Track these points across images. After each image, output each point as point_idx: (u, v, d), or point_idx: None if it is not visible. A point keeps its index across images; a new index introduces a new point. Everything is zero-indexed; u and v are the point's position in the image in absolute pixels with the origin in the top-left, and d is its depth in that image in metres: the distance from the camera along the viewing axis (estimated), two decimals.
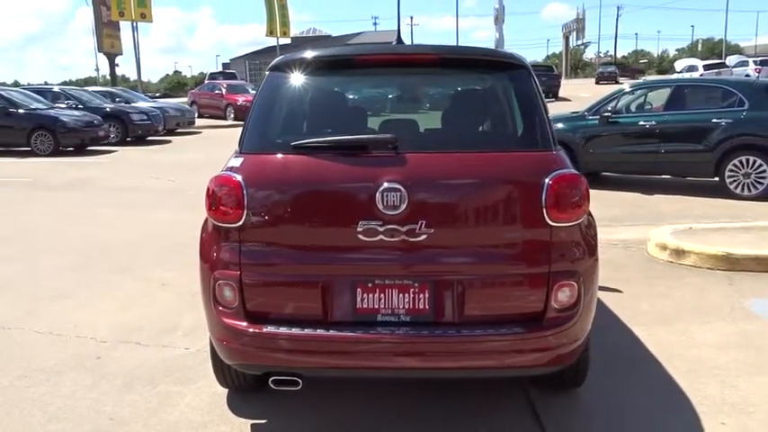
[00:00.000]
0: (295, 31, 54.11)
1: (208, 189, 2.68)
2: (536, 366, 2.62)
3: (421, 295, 2.58)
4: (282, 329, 2.57)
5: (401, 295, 2.58)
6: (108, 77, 40.80)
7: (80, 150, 15.30)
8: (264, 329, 2.58)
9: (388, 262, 2.56)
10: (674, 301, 4.53)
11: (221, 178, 2.67)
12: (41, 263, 5.84)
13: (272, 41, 40.47)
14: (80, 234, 7.03)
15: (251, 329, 2.59)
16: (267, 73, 2.93)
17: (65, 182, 11.00)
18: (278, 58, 2.93)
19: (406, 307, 2.58)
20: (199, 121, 23.31)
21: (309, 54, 2.86)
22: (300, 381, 2.64)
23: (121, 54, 39.33)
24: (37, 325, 4.26)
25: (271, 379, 2.65)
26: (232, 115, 23.95)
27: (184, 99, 28.88)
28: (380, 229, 2.51)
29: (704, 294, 4.65)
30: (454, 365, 2.57)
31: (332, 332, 2.54)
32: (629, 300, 4.57)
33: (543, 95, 2.94)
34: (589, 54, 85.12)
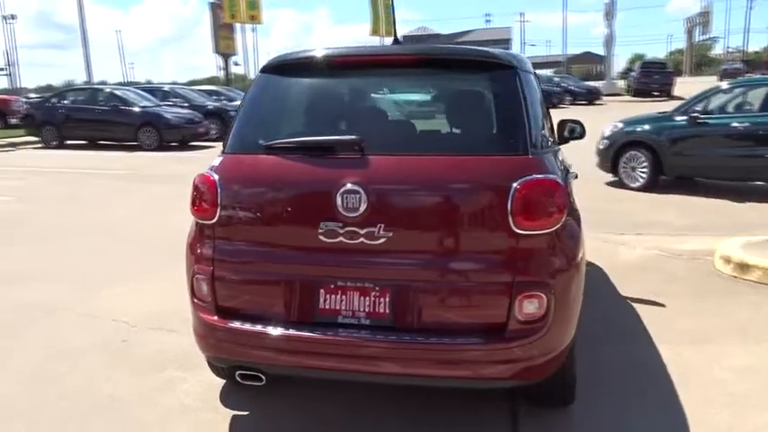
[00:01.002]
0: (405, 30, 54.46)
1: (192, 186, 2.80)
2: (499, 379, 2.52)
3: (381, 299, 2.55)
4: (247, 326, 2.63)
5: (362, 298, 2.56)
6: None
7: (182, 145, 16.27)
8: (230, 324, 2.65)
9: (348, 264, 2.56)
10: (719, 319, 4.18)
11: (201, 177, 2.77)
12: (111, 251, 6.28)
13: (383, 41, 41.11)
14: (153, 225, 7.49)
15: (220, 324, 2.68)
16: (258, 75, 3.00)
17: (158, 174, 11.76)
18: (268, 60, 2.99)
19: (367, 310, 2.56)
20: None
21: (293, 56, 2.90)
22: (263, 377, 2.69)
23: (235, 54, 41.33)
24: (82, 308, 4.59)
25: (237, 372, 2.73)
26: None
27: None
28: (340, 231, 2.51)
29: (757, 314, 4.25)
30: (410, 372, 2.51)
31: (291, 331, 2.57)
32: (669, 315, 4.27)
33: (533, 96, 2.83)
34: (718, 50, 79.63)
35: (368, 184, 2.49)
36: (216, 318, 2.70)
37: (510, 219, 2.43)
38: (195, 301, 2.78)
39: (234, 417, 3.05)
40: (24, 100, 20.98)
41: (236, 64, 41.95)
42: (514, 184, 2.44)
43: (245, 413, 3.09)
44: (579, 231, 2.77)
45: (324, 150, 2.62)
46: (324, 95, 2.95)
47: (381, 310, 2.54)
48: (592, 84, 38.11)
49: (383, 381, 2.64)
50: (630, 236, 6.53)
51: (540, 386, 2.81)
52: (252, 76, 39.97)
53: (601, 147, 9.64)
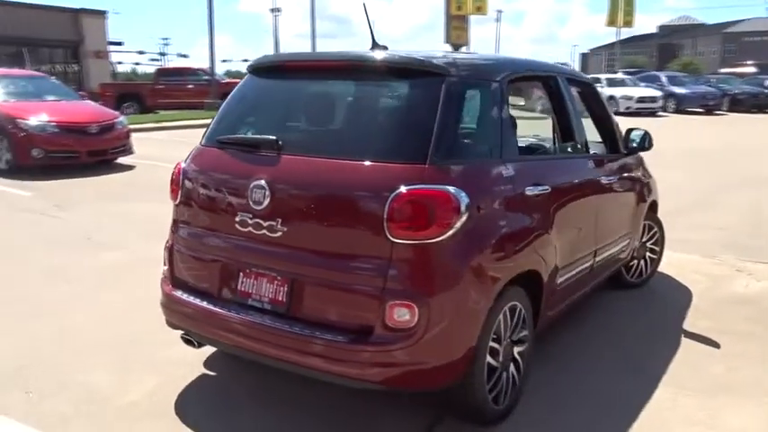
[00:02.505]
0: (665, 19, 50.25)
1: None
2: (369, 381, 2.57)
3: (282, 288, 2.76)
4: (184, 296, 3.01)
5: (268, 285, 2.80)
6: None
7: None
8: (174, 293, 3.07)
9: (255, 252, 2.81)
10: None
11: (177, 164, 3.21)
12: None
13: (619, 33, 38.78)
14: None
15: (169, 292, 3.10)
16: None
17: None
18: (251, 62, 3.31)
19: (270, 297, 2.78)
20: None
21: (262, 59, 3.21)
22: (195, 342, 3.06)
23: (466, 45, 41.98)
24: None
25: (180, 335, 3.14)
26: None
27: None
28: (250, 222, 2.78)
29: None
30: (290, 360, 2.67)
31: (211, 306, 2.89)
32: (714, 357, 3.75)
33: (468, 106, 2.78)
34: None
35: (272, 181, 2.71)
36: (169, 287, 3.13)
37: (385, 226, 2.48)
38: (163, 269, 3.24)
39: (202, 374, 3.47)
40: None
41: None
42: (394, 193, 2.47)
43: (213, 373, 3.49)
44: (477, 246, 2.65)
45: (252, 147, 2.90)
46: (273, 96, 3.21)
47: (280, 299, 2.75)
48: None
49: (278, 366, 2.81)
50: None
51: (441, 399, 2.79)
52: None
53: None
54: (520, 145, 3.26)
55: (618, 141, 4.35)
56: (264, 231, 2.74)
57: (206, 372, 3.51)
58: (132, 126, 11.70)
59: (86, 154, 9.95)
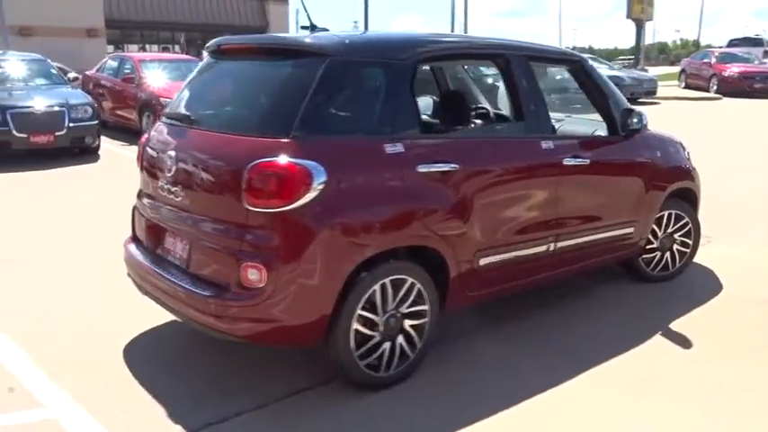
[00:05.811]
0: None
1: None
2: (235, 336, 2.86)
3: (186, 246, 3.13)
4: (134, 252, 3.50)
5: (180, 243, 3.19)
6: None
7: None
8: (128, 248, 3.57)
9: (169, 214, 3.22)
10: (710, 377, 3.29)
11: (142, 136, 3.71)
12: None
13: None
14: None
15: (126, 247, 3.61)
16: None
17: None
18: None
19: (180, 254, 3.17)
20: (676, 92, 22.05)
21: (212, 42, 3.56)
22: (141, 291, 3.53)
23: (650, 20, 38.87)
24: None
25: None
26: (715, 87, 21.63)
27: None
28: (165, 187, 3.18)
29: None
30: (178, 310, 3.05)
31: (144, 261, 3.34)
32: (673, 356, 3.52)
33: (345, 85, 2.96)
34: None
35: (177, 152, 3.10)
36: (128, 243, 3.63)
37: (243, 195, 2.74)
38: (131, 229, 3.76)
39: (172, 321, 3.94)
40: None
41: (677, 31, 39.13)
42: (249, 164, 2.72)
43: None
44: (342, 220, 2.78)
45: (178, 121, 3.29)
46: (211, 74, 3.58)
47: (184, 256, 3.13)
48: None
49: (181, 318, 3.17)
50: None
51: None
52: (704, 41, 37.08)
53: None
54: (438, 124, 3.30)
55: (615, 123, 4.09)
56: (172, 196, 3.13)
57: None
58: None
59: None
